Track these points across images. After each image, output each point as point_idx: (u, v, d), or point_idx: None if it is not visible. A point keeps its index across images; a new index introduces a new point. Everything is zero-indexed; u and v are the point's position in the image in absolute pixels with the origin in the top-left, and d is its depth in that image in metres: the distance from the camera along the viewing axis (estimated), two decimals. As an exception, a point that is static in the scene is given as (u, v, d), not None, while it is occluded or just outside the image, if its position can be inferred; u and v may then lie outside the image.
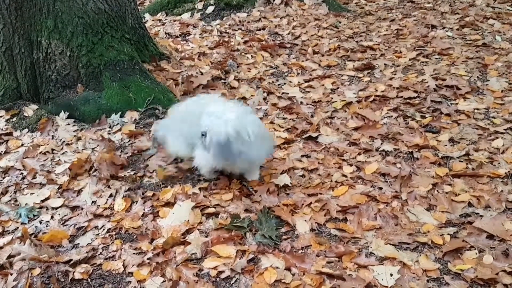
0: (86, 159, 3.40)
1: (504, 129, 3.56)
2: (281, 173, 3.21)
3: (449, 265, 2.42)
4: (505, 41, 5.24)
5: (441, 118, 3.80)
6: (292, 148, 3.52)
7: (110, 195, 3.11)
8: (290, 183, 3.10)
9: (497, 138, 3.46)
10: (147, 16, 6.81)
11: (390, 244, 2.58)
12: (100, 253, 2.67)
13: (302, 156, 3.43)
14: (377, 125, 3.71)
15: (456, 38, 5.43)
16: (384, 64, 4.91)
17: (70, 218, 2.97)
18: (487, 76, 4.47)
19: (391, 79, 4.55)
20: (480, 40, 5.27)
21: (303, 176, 3.21)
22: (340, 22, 6.28)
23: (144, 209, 2.97)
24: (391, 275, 2.35)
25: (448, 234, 2.61)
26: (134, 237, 2.77)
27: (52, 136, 3.82)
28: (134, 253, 2.63)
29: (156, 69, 4.56)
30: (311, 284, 2.34)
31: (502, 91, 4.16)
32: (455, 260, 2.45)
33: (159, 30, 6.12)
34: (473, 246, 2.52)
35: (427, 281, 2.33)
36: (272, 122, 3.87)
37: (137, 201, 3.03)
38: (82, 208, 3.03)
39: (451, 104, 4.01)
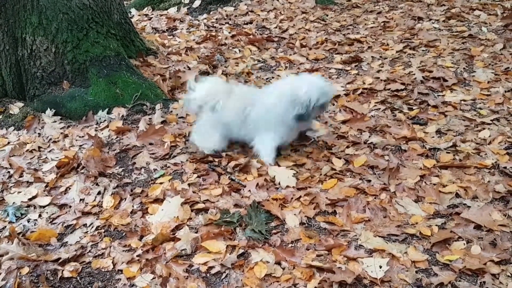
0: (74, 157, 3.38)
1: (491, 120, 3.59)
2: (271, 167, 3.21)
3: (437, 256, 2.44)
4: (491, 32, 5.27)
5: (428, 110, 3.82)
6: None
7: (98, 193, 3.09)
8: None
9: (484, 129, 3.49)
10: (133, 11, 6.76)
11: (379, 236, 2.59)
12: (89, 251, 2.66)
13: (290, 150, 3.43)
14: (365, 117, 3.72)
15: (442, 30, 5.46)
16: (372, 56, 4.92)
17: (58, 216, 2.94)
18: (474, 67, 4.50)
19: (378, 71, 4.57)
20: (466, 32, 5.31)
21: (292, 170, 3.21)
22: (327, 15, 6.28)
23: (133, 206, 2.95)
24: (380, 267, 2.36)
25: (436, 225, 2.63)
26: (123, 234, 2.76)
27: (39, 133, 3.78)
28: (123, 250, 2.62)
29: (143, 65, 4.53)
30: (301, 278, 2.35)
31: (488, 82, 4.19)
32: (443, 251, 2.47)
33: (145, 25, 6.08)
34: (461, 236, 2.54)
35: (416, 272, 2.35)
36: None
37: (125, 198, 3.02)
38: (70, 206, 3.01)
39: (438, 95, 4.03)
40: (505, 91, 3.99)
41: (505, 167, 3.03)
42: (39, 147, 3.60)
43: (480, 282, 2.27)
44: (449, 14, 5.89)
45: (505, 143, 3.30)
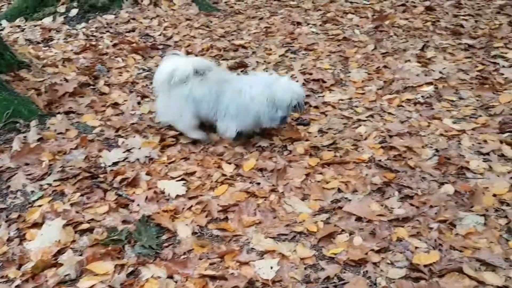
0: None
1: (366, 117, 3.86)
2: (160, 179, 3.14)
3: (323, 250, 2.55)
4: (363, 34, 5.67)
5: (310, 110, 4.00)
6: (171, 151, 3.46)
7: (-32, 223, 2.79)
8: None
9: (360, 125, 3.74)
10: (4, 22, 6.23)
11: (270, 237, 2.65)
12: (-41, 289, 2.40)
13: (181, 159, 3.39)
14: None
15: (319, 34, 5.76)
16: (256, 61, 5.03)
17: None
18: (349, 68, 4.80)
19: (263, 76, 4.67)
20: (341, 35, 5.65)
21: (182, 179, 3.17)
22: (211, 22, 6.32)
23: (9, 233, 2.70)
24: (271, 267, 2.42)
25: (322, 220, 2.75)
26: (0, 264, 2.52)
27: None
28: (0, 282, 2.39)
29: (15, 79, 4.18)
30: (194, 289, 2.32)
31: (362, 81, 4.50)
32: (329, 245, 2.59)
33: (18, 37, 5.63)
34: (344, 229, 2.69)
35: (305, 268, 2.44)
36: (149, 126, 3.75)
37: (0, 225, 2.76)
38: None
39: (319, 96, 4.24)
40: (377, 89, 4.31)
41: (380, 160, 3.27)
42: None
43: (363, 272, 2.42)
44: (325, 19, 6.23)
45: (379, 138, 3.56)
